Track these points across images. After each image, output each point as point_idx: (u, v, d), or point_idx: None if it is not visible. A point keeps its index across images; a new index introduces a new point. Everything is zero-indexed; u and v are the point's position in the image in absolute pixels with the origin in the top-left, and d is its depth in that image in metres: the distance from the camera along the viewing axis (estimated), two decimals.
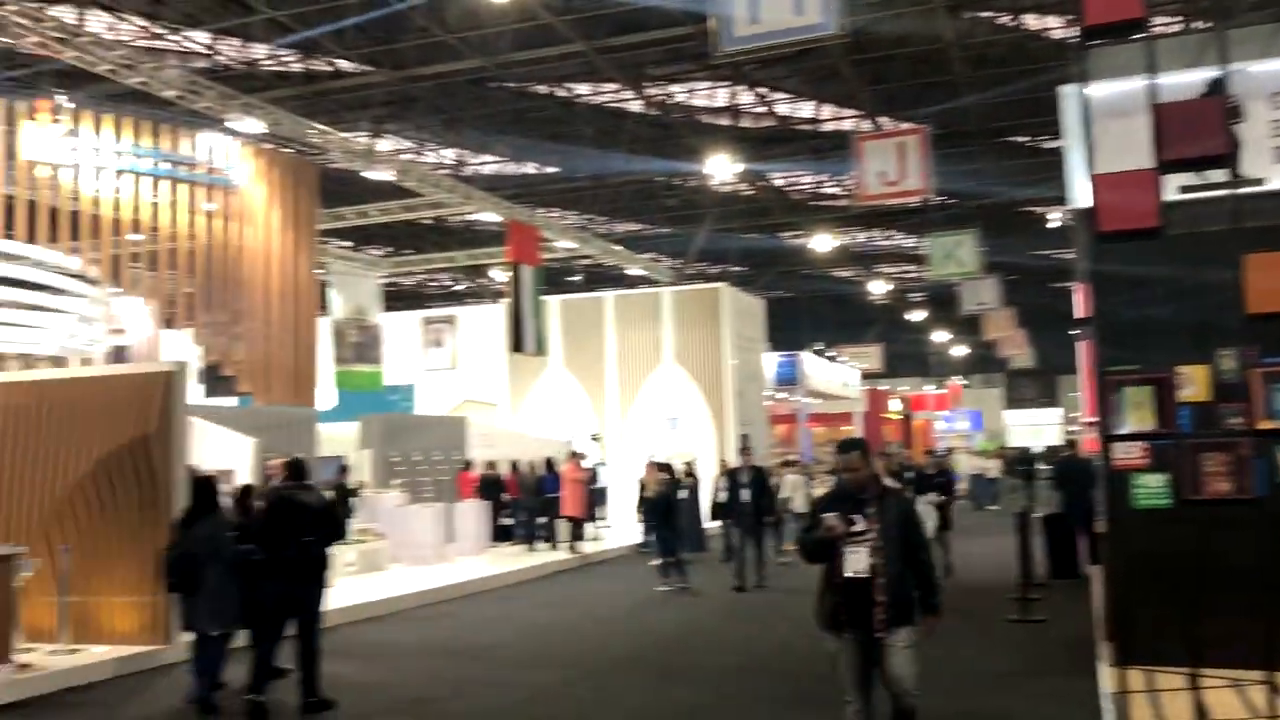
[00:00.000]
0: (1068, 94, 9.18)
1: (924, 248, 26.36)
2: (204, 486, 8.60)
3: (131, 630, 10.21)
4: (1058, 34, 19.55)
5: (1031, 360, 44.04)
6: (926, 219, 29.05)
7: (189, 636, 8.52)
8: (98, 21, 18.25)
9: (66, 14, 16.99)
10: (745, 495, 14.45)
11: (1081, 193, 8.22)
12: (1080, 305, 11.28)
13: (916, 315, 48.29)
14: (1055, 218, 27.64)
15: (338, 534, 8.61)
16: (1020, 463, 34.32)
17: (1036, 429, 44.04)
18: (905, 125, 19.66)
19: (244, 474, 13.15)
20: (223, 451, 13.34)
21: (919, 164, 16.42)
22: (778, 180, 29.12)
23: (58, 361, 21.12)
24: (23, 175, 14.27)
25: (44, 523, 10.49)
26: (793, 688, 8.31)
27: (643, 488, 18.32)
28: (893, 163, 16.53)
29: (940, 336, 51.77)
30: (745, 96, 23.06)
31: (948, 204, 28.65)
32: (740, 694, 8.25)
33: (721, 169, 24.03)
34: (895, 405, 45.69)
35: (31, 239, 14.80)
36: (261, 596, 7.94)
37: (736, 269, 39.15)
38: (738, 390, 26.04)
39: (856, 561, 5.22)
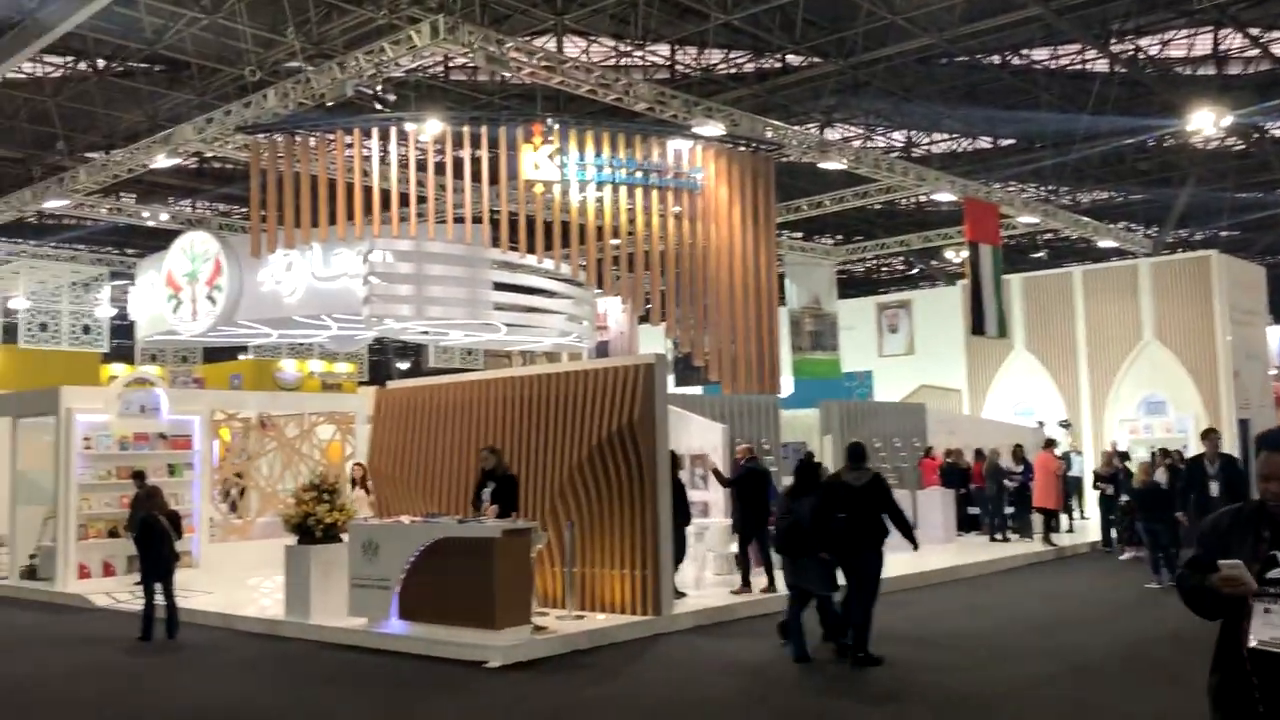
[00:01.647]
0: None
1: None
2: (808, 467, 9.82)
3: (626, 600, 11.21)
4: None
5: None
6: None
7: (754, 589, 9.20)
8: (573, 46, 20.15)
9: (550, 43, 18.93)
10: (1214, 489, 12.92)
11: None
12: None
13: None
14: None
15: (881, 509, 9.23)
16: None
17: None
18: None
19: (716, 457, 13.99)
20: (697, 436, 14.26)
21: None
22: (1277, 131, 25.65)
23: (551, 357, 23.65)
24: (521, 194, 16.19)
25: (551, 501, 11.81)
26: None
27: (1107, 477, 17.06)
28: None
29: None
30: (1233, 40, 20.57)
31: None
32: None
33: (1206, 124, 21.62)
34: None
35: (530, 250, 16.76)
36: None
37: (1227, 234, 35.02)
38: (1234, 370, 23.30)
39: (1273, 626, 3.49)
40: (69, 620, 12.84)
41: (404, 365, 42.57)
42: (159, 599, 11.21)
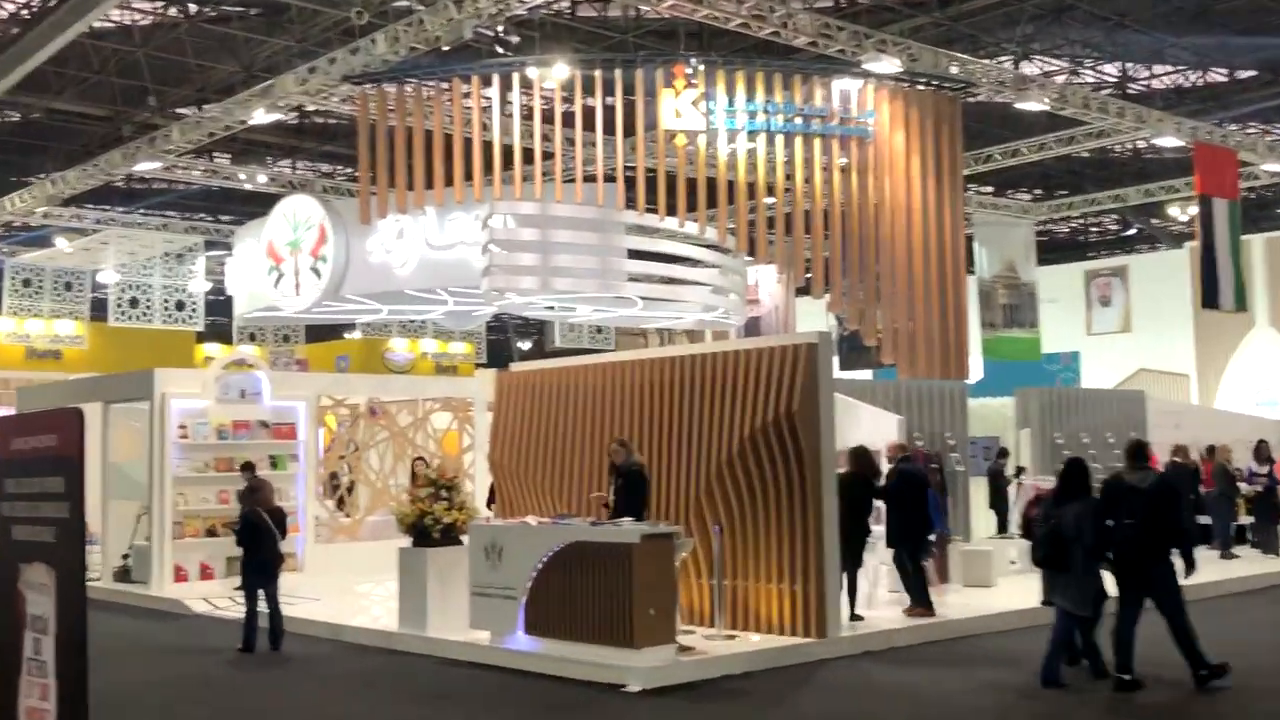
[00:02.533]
0: None
1: None
2: (1076, 469, 9.67)
3: (785, 619, 11.19)
4: None
5: None
6: None
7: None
8: None
9: None
10: None
11: None
12: None
13: None
14: None
15: (1167, 520, 9.20)
16: None
17: None
18: None
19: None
20: (867, 428, 14.10)
21: None
22: None
23: (693, 335, 23.67)
24: (661, 147, 16.22)
25: (696, 502, 11.85)
26: None
27: None
28: None
29: None
30: None
31: None
32: None
33: None
34: None
35: (670, 212, 16.79)
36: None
37: None
38: None
39: None
40: (164, 628, 13.54)
41: (525, 345, 43.31)
42: (262, 605, 11.71)
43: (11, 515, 5.55)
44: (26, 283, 30.02)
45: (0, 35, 21.65)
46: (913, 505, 12.51)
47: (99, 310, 31.36)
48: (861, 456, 12.29)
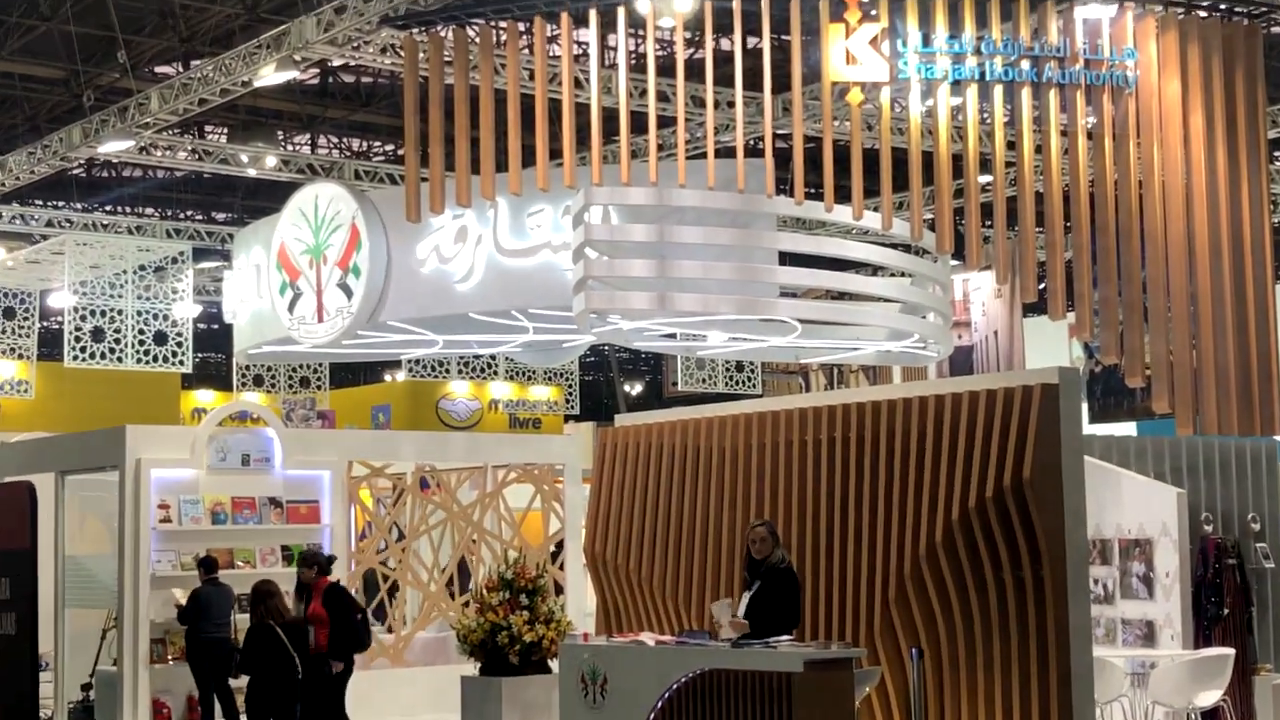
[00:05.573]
0: None
1: None
2: None
3: None
4: None
5: None
6: None
7: None
8: None
9: None
10: None
11: None
12: None
13: None
14: None
15: None
16: None
17: None
18: None
19: (1167, 542, 13.53)
20: (1130, 505, 13.84)
21: None
22: None
23: (874, 374, 23.50)
24: (826, 106, 16.19)
25: (881, 613, 11.73)
26: None
27: None
28: None
29: None
30: None
31: None
32: None
33: None
34: None
35: (841, 198, 16.73)
36: None
37: None
38: None
39: None
40: None
41: (635, 390, 43.51)
42: None
43: None
44: None
45: None
46: None
47: (51, 346, 32.28)
48: None
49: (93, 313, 30.45)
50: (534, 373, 35.14)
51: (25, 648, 4.32)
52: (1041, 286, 17.96)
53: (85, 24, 24.13)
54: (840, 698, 10.15)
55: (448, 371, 34.62)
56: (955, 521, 11.37)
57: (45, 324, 32.16)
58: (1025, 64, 16.35)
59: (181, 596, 15.52)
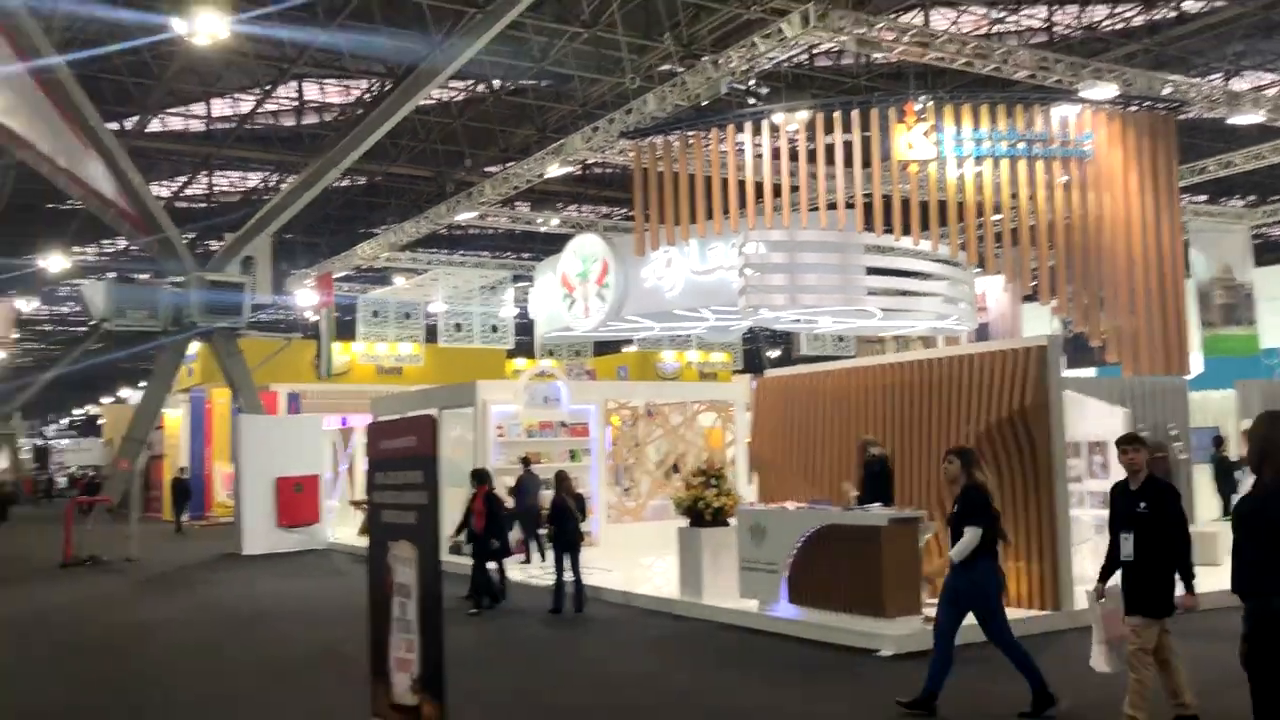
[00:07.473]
0: None
1: None
2: None
3: (1022, 594, 10.70)
4: None
5: None
6: None
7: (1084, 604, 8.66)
8: (941, 19, 19.42)
9: (917, 19, 18.38)
10: None
11: None
12: None
13: None
14: None
15: None
16: None
17: None
18: None
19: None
20: (1093, 421, 13.33)
21: None
22: None
23: (926, 341, 23.01)
24: (895, 175, 15.84)
25: (937, 490, 11.48)
26: None
27: None
28: None
29: None
30: None
31: None
32: None
33: None
34: None
35: (904, 231, 16.37)
36: None
37: None
38: None
39: None
40: None
41: (775, 354, 43.15)
42: (568, 575, 12.11)
43: (382, 502, 5.93)
44: (375, 314, 32.16)
45: (350, 116, 23.30)
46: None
47: (431, 334, 33.25)
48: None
49: (455, 314, 31.38)
50: (713, 345, 35.09)
51: (434, 511, 4.45)
52: (1033, 284, 17.36)
53: (446, 143, 24.74)
54: (911, 542, 10.00)
55: (662, 345, 34.73)
56: (982, 433, 11.09)
57: (428, 321, 33.10)
58: (1021, 144, 15.81)
59: (511, 480, 15.88)
